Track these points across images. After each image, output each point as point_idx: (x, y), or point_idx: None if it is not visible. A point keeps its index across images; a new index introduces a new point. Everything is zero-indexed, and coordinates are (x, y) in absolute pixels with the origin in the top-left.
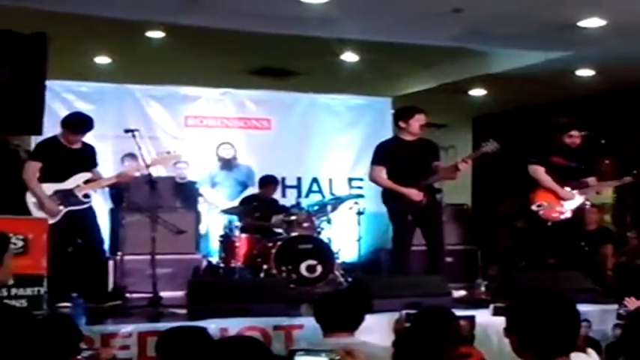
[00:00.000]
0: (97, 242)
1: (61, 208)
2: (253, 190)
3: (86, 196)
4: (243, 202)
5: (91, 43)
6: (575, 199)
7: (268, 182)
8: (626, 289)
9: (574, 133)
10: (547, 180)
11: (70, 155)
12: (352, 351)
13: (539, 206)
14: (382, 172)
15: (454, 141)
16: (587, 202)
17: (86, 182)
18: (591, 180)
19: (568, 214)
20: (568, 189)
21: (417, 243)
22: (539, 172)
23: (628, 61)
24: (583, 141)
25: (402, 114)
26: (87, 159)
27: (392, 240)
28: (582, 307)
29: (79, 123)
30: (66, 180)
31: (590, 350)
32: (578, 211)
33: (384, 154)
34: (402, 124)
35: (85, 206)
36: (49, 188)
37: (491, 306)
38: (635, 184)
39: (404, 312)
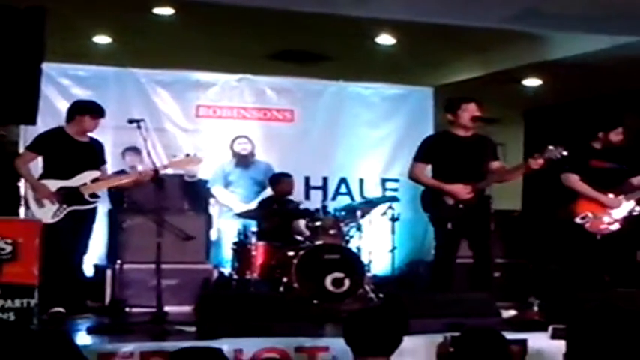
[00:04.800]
0: (81, 251)
1: (64, 206)
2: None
3: (93, 195)
4: (261, 204)
5: (89, 20)
6: (622, 206)
7: (279, 179)
8: None
9: (620, 130)
10: (585, 188)
11: (78, 149)
12: None
13: (583, 218)
14: (426, 170)
15: (504, 138)
16: (638, 208)
17: (94, 181)
18: (636, 180)
19: (618, 224)
20: (612, 195)
21: (461, 255)
22: (572, 180)
23: None
24: (625, 137)
25: (449, 105)
26: (95, 155)
27: (433, 250)
28: None
29: (99, 107)
30: (72, 177)
31: None
32: (631, 219)
33: (430, 150)
34: (450, 116)
35: (91, 207)
36: (53, 185)
37: (550, 328)
38: None
39: (449, 335)
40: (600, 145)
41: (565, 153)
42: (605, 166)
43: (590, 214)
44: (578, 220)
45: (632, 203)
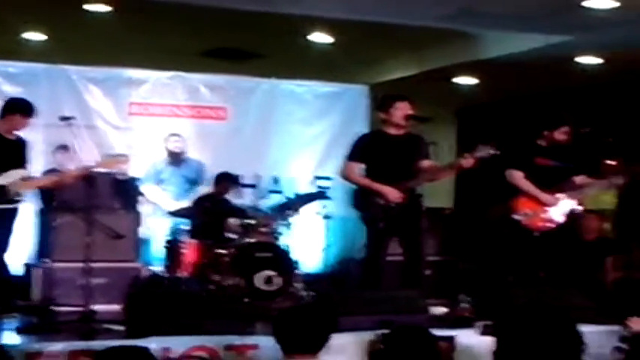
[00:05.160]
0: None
1: None
2: (204, 188)
3: (17, 195)
4: (196, 203)
5: (19, 16)
6: (560, 205)
7: (224, 180)
8: (628, 307)
9: (565, 129)
10: (527, 186)
11: (6, 147)
12: None
13: (522, 215)
14: (357, 169)
15: (436, 137)
16: (580, 207)
17: (24, 179)
18: (580, 179)
19: (557, 222)
20: (558, 194)
21: (392, 252)
22: (516, 177)
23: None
24: (582, 137)
25: (382, 104)
26: (21, 153)
27: (364, 248)
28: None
29: (30, 105)
30: None
31: None
32: (572, 218)
33: (362, 149)
34: (382, 115)
35: (13, 206)
36: None
37: (479, 324)
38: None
39: (380, 332)
40: (546, 142)
41: (496, 152)
42: (550, 163)
43: (529, 211)
44: (515, 217)
45: (573, 202)
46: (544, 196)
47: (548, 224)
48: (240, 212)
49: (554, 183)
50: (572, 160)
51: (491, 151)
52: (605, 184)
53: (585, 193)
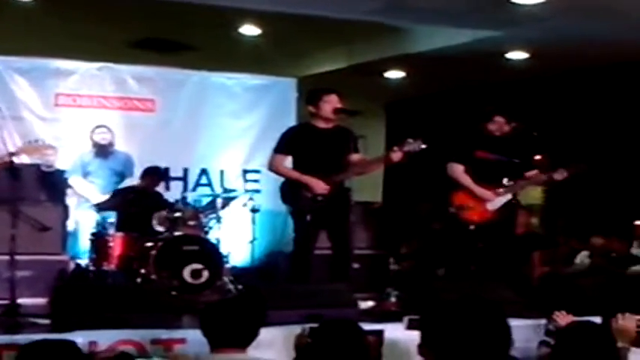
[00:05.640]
0: None
1: None
2: (132, 181)
3: None
4: (118, 194)
5: None
6: (497, 200)
7: (150, 174)
8: (554, 301)
9: (498, 119)
10: (464, 179)
11: None
12: None
13: (458, 208)
14: (285, 162)
15: (365, 131)
16: (515, 201)
17: None
18: (530, 174)
19: (492, 216)
20: (499, 189)
21: (321, 246)
22: (456, 170)
23: (567, 44)
24: (513, 131)
25: (310, 97)
26: None
27: (292, 242)
28: None
29: None
30: None
31: None
32: (506, 212)
33: (290, 142)
34: (311, 108)
35: None
36: None
37: (405, 319)
38: (568, 181)
39: (307, 326)
40: (484, 135)
41: (424, 146)
42: (490, 157)
43: (467, 205)
44: (452, 210)
45: (506, 197)
46: (480, 191)
47: (484, 218)
48: (168, 205)
49: (497, 177)
50: (514, 155)
51: (420, 146)
52: (542, 179)
53: (525, 187)
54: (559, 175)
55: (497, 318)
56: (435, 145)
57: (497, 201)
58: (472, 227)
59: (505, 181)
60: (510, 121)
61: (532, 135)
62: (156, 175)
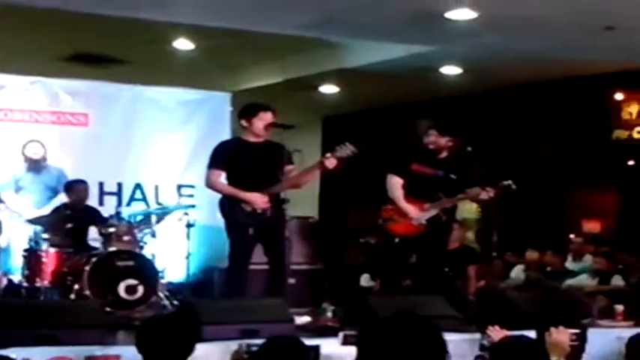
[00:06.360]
0: None
1: None
2: (65, 196)
3: None
4: (55, 211)
5: None
6: (421, 215)
7: (72, 187)
8: (489, 316)
9: (432, 132)
10: (395, 192)
11: None
12: None
13: (384, 221)
14: (221, 177)
15: (301, 144)
16: (444, 217)
17: None
18: (472, 191)
19: (417, 230)
20: (427, 205)
21: (256, 261)
22: (392, 182)
23: (500, 60)
24: (449, 146)
25: (244, 111)
26: None
27: (228, 257)
28: None
29: None
30: None
31: None
32: (434, 227)
33: (223, 157)
34: (244, 122)
35: None
36: None
37: (341, 334)
38: (503, 197)
39: (244, 342)
40: (421, 149)
41: (355, 150)
42: (426, 171)
43: (391, 217)
44: (379, 221)
45: (433, 211)
46: (403, 205)
47: (409, 232)
48: (101, 220)
49: (432, 191)
50: (453, 171)
51: (352, 150)
52: (476, 194)
53: (455, 203)
54: (485, 195)
55: (433, 333)
56: (370, 160)
57: (421, 216)
58: (397, 240)
59: (440, 195)
60: (444, 135)
61: (465, 150)
62: (79, 185)
